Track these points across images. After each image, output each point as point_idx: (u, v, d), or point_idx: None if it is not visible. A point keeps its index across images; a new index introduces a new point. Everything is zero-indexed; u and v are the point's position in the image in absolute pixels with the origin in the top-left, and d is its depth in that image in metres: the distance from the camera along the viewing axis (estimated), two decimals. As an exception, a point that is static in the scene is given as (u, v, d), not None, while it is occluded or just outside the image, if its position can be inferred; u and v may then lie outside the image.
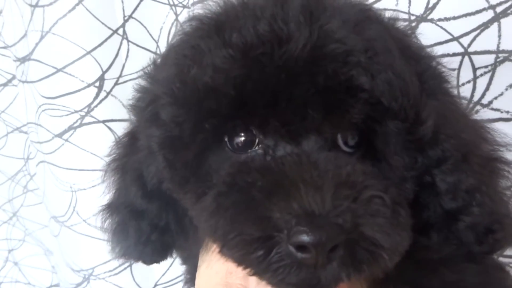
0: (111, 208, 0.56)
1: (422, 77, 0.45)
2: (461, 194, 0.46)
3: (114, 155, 0.56)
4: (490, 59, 0.63)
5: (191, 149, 0.44)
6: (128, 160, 0.54)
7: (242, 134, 0.44)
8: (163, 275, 1.00)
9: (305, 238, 0.36)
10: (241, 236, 0.38)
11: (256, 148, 0.44)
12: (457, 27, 0.63)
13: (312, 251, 0.36)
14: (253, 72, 0.41)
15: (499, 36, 0.62)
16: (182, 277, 0.94)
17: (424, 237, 0.47)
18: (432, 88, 0.46)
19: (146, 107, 0.48)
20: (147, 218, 0.53)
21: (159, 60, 0.51)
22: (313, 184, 0.38)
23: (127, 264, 0.96)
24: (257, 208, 0.38)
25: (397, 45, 0.45)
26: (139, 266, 0.95)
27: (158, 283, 1.01)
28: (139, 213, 0.53)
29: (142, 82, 0.51)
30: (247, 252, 0.38)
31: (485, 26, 0.62)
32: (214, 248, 0.44)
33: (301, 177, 0.39)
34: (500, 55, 0.62)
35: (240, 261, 0.40)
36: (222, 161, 0.44)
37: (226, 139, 0.44)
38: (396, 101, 0.41)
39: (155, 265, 0.59)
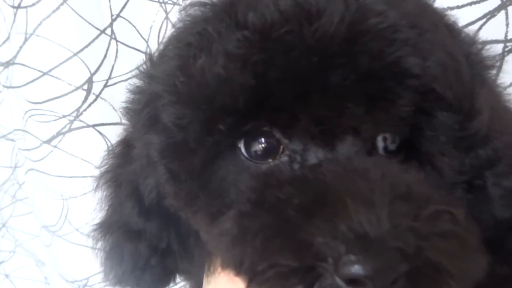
0: (103, 228, 0.49)
1: (469, 61, 0.38)
2: None
3: (106, 166, 0.50)
4: (497, 49, 0.60)
5: (198, 156, 0.37)
6: (122, 172, 0.47)
7: (263, 140, 0.36)
8: (177, 283, 0.97)
9: (359, 269, 0.28)
10: (275, 267, 0.31)
11: (280, 156, 0.36)
12: (462, 17, 0.60)
13: (369, 285, 0.29)
14: (277, 56, 0.33)
15: (507, 25, 0.60)
16: (181, 285, 0.91)
17: None
18: (481, 74, 0.39)
19: (142, 109, 0.41)
20: (145, 239, 0.46)
21: (156, 56, 0.44)
22: (364, 199, 0.31)
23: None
24: (294, 231, 0.31)
25: (442, 21, 0.38)
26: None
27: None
28: (135, 234, 0.47)
29: (136, 82, 0.44)
30: (285, 286, 0.31)
31: (491, 14, 0.60)
32: (220, 268, 0.38)
33: (348, 190, 0.31)
34: (508, 44, 0.60)
35: None
36: (238, 172, 0.37)
37: (241, 145, 0.37)
38: (451, 88, 0.35)
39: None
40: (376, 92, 0.34)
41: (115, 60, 0.85)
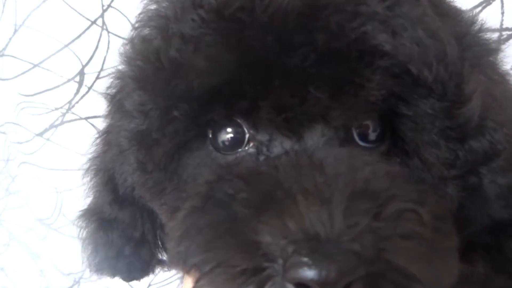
0: (86, 216, 0.49)
1: (462, 42, 0.34)
2: None
3: (93, 153, 0.48)
4: (493, 37, 0.60)
5: (162, 146, 0.35)
6: (102, 159, 0.46)
7: (229, 130, 0.34)
8: (156, 275, 0.97)
9: (306, 273, 0.26)
10: (222, 267, 0.28)
11: (247, 147, 0.34)
12: (458, 5, 0.60)
13: None
14: (230, 36, 0.30)
15: (502, 13, 0.59)
16: (176, 277, 0.91)
17: (466, 263, 0.34)
18: (476, 57, 0.35)
19: (115, 94, 0.40)
20: (118, 229, 0.45)
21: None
22: (318, 195, 0.28)
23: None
24: (242, 229, 0.28)
25: None
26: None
27: (152, 283, 0.98)
28: (108, 223, 0.46)
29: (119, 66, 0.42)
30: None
31: (487, 2, 0.59)
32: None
33: (300, 186, 0.29)
34: (504, 33, 0.60)
35: None
36: (202, 164, 0.34)
37: (210, 135, 0.35)
38: (429, 68, 0.30)
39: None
40: (341, 75, 0.30)
41: (107, 52, 0.83)
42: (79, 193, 0.86)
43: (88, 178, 0.49)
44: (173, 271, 0.92)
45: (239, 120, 0.34)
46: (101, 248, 0.46)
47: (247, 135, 0.34)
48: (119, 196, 0.44)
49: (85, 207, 0.50)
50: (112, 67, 0.82)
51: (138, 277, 0.50)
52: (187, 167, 0.35)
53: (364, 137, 0.34)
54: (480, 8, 0.59)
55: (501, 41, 0.60)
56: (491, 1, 0.59)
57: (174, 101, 0.33)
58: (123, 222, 0.45)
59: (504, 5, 0.59)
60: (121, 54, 0.40)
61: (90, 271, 0.50)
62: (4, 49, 0.83)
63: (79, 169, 0.84)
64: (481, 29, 0.38)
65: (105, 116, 0.47)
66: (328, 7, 0.30)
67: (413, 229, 0.28)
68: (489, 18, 0.59)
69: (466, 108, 0.32)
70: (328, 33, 0.30)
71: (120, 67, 0.42)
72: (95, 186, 0.48)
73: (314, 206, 0.27)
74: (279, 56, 0.30)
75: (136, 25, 0.38)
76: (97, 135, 0.49)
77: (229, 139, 0.34)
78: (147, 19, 0.36)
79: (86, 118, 0.84)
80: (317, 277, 0.26)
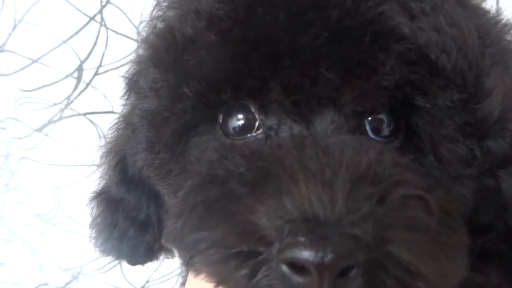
0: (97, 197, 0.49)
1: (485, 38, 0.33)
2: None
3: (109, 138, 0.49)
4: None
5: (170, 125, 0.34)
6: (117, 142, 0.46)
7: (240, 116, 0.33)
8: (155, 271, 0.97)
9: (301, 253, 0.24)
10: (216, 247, 0.28)
11: (256, 132, 0.33)
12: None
13: (313, 273, 0.25)
14: (241, 11, 0.29)
15: (498, 10, 0.59)
16: (175, 273, 0.92)
17: (479, 273, 0.33)
18: (499, 55, 0.33)
19: (133, 76, 0.40)
20: (123, 210, 0.45)
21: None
22: (320, 175, 0.27)
23: (117, 261, 0.93)
24: (238, 208, 0.27)
25: None
26: (129, 263, 0.93)
27: (150, 279, 0.98)
28: (115, 203, 0.46)
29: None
30: (225, 270, 0.27)
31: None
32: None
33: (302, 165, 0.27)
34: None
35: (219, 280, 0.29)
36: (210, 147, 0.34)
37: (220, 120, 0.34)
38: (449, 56, 0.29)
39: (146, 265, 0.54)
40: (353, 56, 0.29)
41: (105, 48, 0.84)
42: (77, 189, 0.87)
43: (102, 161, 0.49)
44: (172, 268, 0.93)
45: (248, 103, 0.33)
46: (106, 228, 0.47)
47: (257, 122, 0.33)
48: (128, 177, 0.43)
49: (97, 189, 0.51)
50: (110, 63, 0.83)
51: (141, 262, 0.50)
52: (194, 149, 0.35)
53: (377, 131, 0.32)
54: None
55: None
56: (487, -2, 0.59)
57: (185, 78, 0.32)
58: (128, 203, 0.45)
59: (499, 1, 0.59)
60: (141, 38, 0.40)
61: (99, 252, 0.50)
62: (4, 44, 0.84)
63: (76, 165, 0.85)
64: (505, 29, 0.37)
65: (123, 100, 0.46)
66: None
67: (419, 218, 0.27)
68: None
69: (486, 103, 0.31)
70: (342, 11, 0.28)
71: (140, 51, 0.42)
72: (106, 167, 0.48)
73: (315, 186, 0.26)
74: (290, 33, 0.29)
75: (157, 8, 0.37)
76: (115, 120, 0.48)
77: (240, 125, 0.33)
78: (168, 1, 0.36)
79: (84, 114, 0.84)
80: (313, 257, 0.24)
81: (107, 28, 0.83)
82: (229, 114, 0.33)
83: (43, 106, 0.84)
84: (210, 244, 0.28)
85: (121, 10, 0.83)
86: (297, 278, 0.25)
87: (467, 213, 0.32)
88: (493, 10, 0.58)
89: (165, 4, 0.37)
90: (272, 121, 0.33)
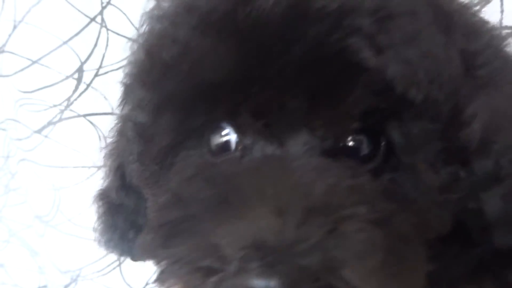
0: (100, 196, 0.51)
1: (476, 60, 0.32)
2: None
3: (111, 139, 0.49)
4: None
5: (156, 143, 0.36)
6: (118, 144, 0.47)
7: (224, 133, 0.34)
8: (154, 272, 0.97)
9: (253, 282, 0.25)
10: (181, 262, 0.29)
11: (235, 151, 0.34)
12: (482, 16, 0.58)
13: None
14: (213, 42, 0.31)
15: (502, 12, 0.58)
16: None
17: (474, 285, 0.34)
18: (491, 75, 0.32)
19: (126, 83, 0.41)
20: (124, 213, 0.47)
21: None
22: (276, 202, 0.27)
23: (116, 263, 0.93)
24: (200, 230, 0.29)
25: (433, 8, 0.32)
26: (128, 265, 0.92)
27: (149, 282, 0.97)
28: (115, 207, 0.47)
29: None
30: (191, 282, 0.28)
31: (486, 1, 0.58)
32: None
33: (260, 190, 0.28)
34: (503, 31, 0.59)
35: None
36: (192, 162, 0.35)
37: (205, 136, 0.35)
38: (418, 88, 0.29)
39: (146, 263, 0.55)
40: (318, 87, 0.30)
41: (106, 49, 0.83)
42: (77, 191, 0.86)
43: (104, 161, 0.50)
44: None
45: (225, 125, 0.34)
46: (108, 229, 0.48)
47: (235, 140, 0.34)
48: (126, 183, 0.45)
49: (101, 188, 0.52)
50: (111, 65, 0.83)
51: (143, 259, 0.50)
52: (179, 163, 0.36)
53: (355, 152, 0.32)
54: (478, 6, 0.58)
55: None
56: None
57: (166, 99, 0.34)
58: (128, 208, 0.47)
59: (504, 3, 0.58)
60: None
61: (104, 248, 0.51)
62: (4, 45, 0.83)
63: (76, 166, 0.85)
64: (504, 42, 0.36)
65: (120, 103, 0.47)
66: (308, 18, 0.29)
67: (365, 250, 0.27)
68: (488, 16, 0.59)
69: (466, 131, 0.31)
70: (307, 45, 0.29)
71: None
72: (108, 170, 0.49)
73: (268, 213, 0.27)
74: (260, 63, 0.30)
75: (141, 27, 0.39)
76: (116, 120, 0.49)
77: (221, 143, 0.34)
78: (150, 21, 0.37)
79: (85, 116, 0.83)
80: (259, 285, 0.25)
81: (107, 29, 0.83)
82: (213, 131, 0.35)
83: (43, 108, 0.84)
84: (176, 260, 0.29)
85: (121, 11, 0.83)
86: None
87: (445, 232, 0.32)
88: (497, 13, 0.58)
89: (145, 28, 0.38)
90: (247, 141, 0.33)
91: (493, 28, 0.37)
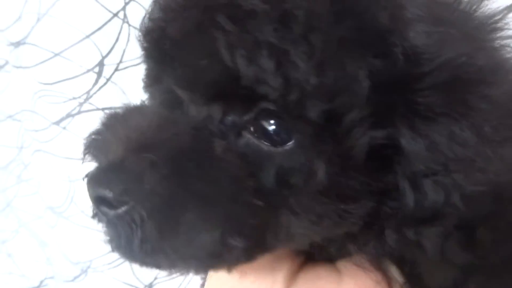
0: None
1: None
2: None
3: None
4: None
5: None
6: None
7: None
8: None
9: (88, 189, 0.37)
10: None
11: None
12: None
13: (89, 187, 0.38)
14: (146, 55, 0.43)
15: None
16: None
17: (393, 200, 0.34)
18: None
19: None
20: None
21: None
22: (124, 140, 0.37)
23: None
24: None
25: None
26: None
27: (158, 276, 0.98)
28: None
29: None
30: None
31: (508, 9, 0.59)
32: None
33: (118, 131, 0.39)
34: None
35: None
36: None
37: None
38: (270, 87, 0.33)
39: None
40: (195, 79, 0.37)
41: (126, 44, 0.84)
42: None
43: None
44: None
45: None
46: None
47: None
48: None
49: None
50: (131, 60, 0.84)
51: None
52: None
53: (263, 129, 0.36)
54: (506, 11, 0.59)
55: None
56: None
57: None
58: None
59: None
60: None
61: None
62: (26, 37, 0.84)
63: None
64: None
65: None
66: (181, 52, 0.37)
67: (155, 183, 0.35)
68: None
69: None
70: (182, 68, 0.37)
71: None
72: None
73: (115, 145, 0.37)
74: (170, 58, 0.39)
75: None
76: None
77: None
78: None
79: (103, 109, 0.84)
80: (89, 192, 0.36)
81: (129, 25, 0.84)
82: None
83: (62, 100, 0.85)
84: None
85: (144, 8, 0.84)
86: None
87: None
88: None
89: None
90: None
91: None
